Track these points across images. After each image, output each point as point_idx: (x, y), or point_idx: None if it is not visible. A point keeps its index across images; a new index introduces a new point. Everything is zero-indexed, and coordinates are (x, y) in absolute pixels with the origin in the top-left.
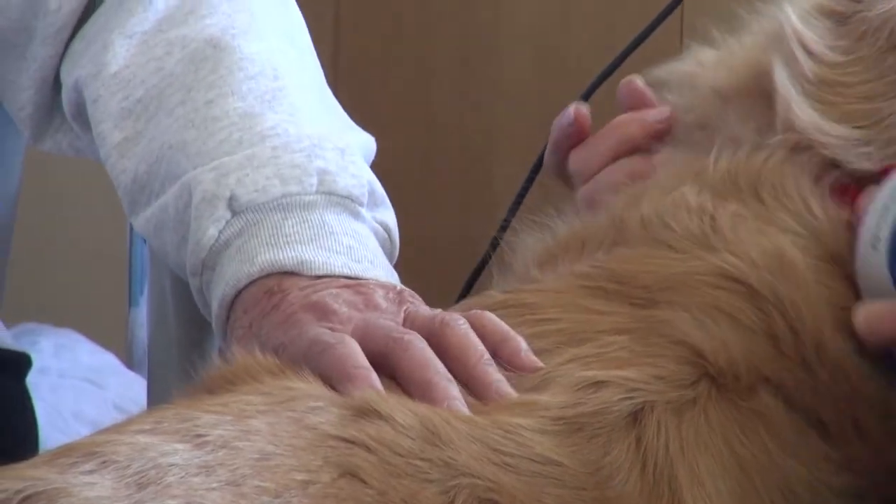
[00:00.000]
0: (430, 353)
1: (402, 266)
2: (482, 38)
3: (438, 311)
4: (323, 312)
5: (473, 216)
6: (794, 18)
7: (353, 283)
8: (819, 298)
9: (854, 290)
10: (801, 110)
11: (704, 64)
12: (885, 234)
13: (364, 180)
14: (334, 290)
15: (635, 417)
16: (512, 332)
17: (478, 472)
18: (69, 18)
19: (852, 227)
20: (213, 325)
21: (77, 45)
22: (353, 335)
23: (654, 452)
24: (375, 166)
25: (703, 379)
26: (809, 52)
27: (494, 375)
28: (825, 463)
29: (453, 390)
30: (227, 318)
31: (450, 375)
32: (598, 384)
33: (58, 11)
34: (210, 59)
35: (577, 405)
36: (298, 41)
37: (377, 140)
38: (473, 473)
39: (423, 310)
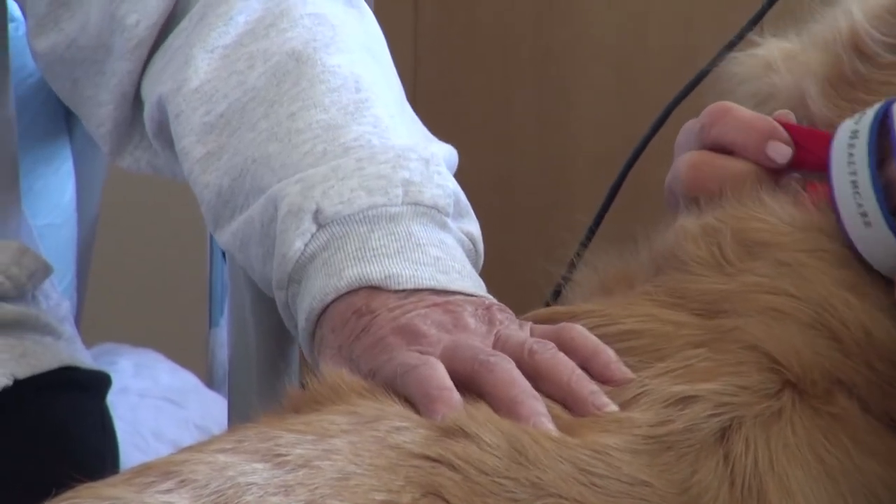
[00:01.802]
0: (516, 373)
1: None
2: (560, 57)
3: (527, 330)
4: (413, 336)
5: (551, 236)
6: (859, 20)
7: (442, 302)
8: (841, 286)
9: (864, 267)
10: (815, 105)
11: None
12: (870, 206)
13: (449, 190)
14: (423, 311)
15: (723, 434)
16: (601, 345)
17: (565, 492)
18: (147, 34)
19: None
20: (300, 338)
21: (158, 61)
22: (442, 357)
23: (743, 469)
24: None
25: (785, 388)
26: (861, 54)
27: (589, 387)
28: None
29: (539, 407)
30: (314, 332)
31: (536, 393)
32: (687, 399)
33: (136, 26)
34: (292, 72)
35: (667, 423)
36: (379, 54)
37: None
38: (560, 493)
39: (514, 332)
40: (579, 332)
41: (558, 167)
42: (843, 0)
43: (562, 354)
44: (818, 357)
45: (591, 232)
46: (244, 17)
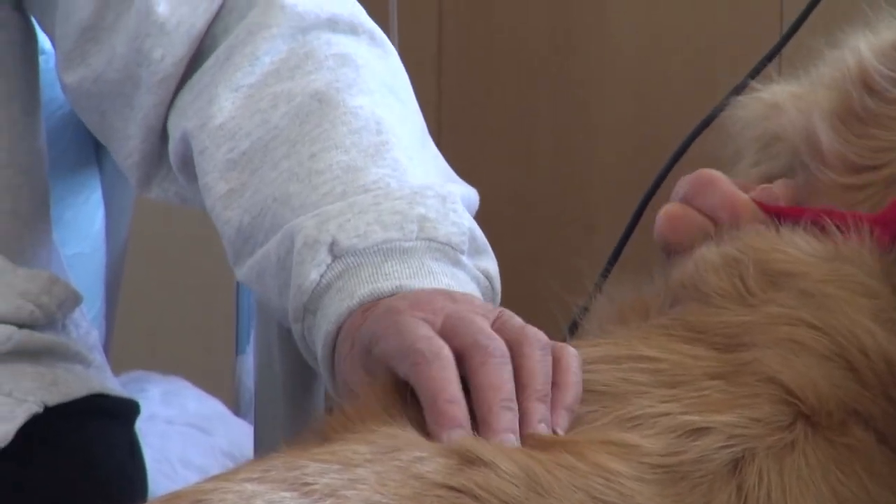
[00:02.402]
0: (505, 375)
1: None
2: (581, 84)
3: (524, 325)
4: (416, 302)
5: (572, 263)
6: (867, 56)
7: (445, 292)
8: (866, 316)
9: (894, 297)
10: (826, 139)
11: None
12: None
13: (465, 228)
14: (425, 295)
15: (736, 465)
16: (577, 384)
17: None
18: (173, 69)
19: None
20: (321, 367)
21: (184, 97)
22: (444, 326)
23: (756, 500)
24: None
25: (798, 420)
26: (870, 90)
27: (541, 414)
28: None
29: (513, 423)
30: (332, 357)
31: (513, 404)
32: (699, 430)
33: (161, 61)
34: (315, 113)
35: (679, 453)
36: (401, 94)
37: (477, 188)
38: None
39: (516, 319)
40: (570, 356)
41: (578, 190)
42: (849, 40)
43: (547, 364)
44: (835, 388)
45: (610, 264)
46: (269, 57)
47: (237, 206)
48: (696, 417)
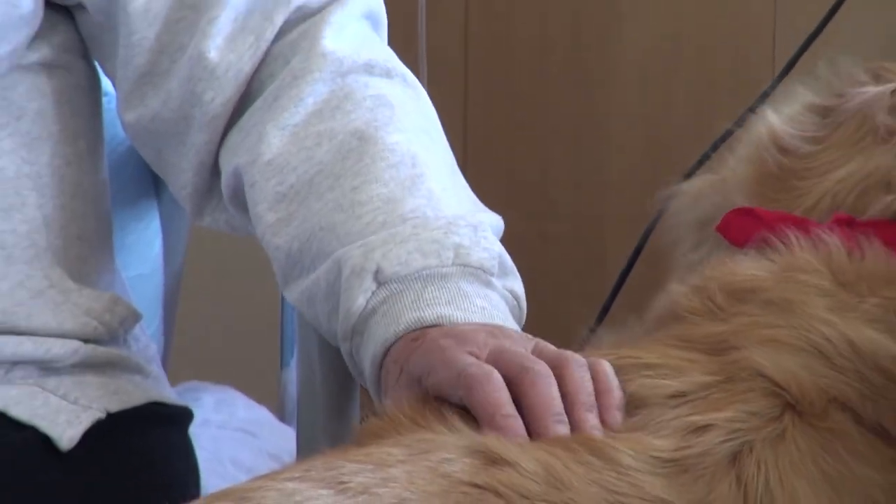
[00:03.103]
0: (554, 392)
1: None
2: (595, 127)
3: (560, 351)
4: (463, 339)
5: (586, 292)
6: (777, 122)
7: (490, 325)
8: (823, 310)
9: (846, 294)
10: (746, 203)
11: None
12: None
13: (495, 253)
14: (470, 329)
15: (735, 457)
16: (617, 388)
17: None
18: (222, 109)
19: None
20: (368, 383)
21: (234, 136)
22: (489, 359)
23: (756, 488)
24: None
25: (786, 410)
26: (783, 150)
27: (592, 422)
28: (893, 465)
29: (564, 432)
30: (379, 375)
31: (564, 418)
32: (703, 428)
33: (211, 102)
34: (355, 150)
35: (685, 448)
36: (432, 131)
37: (499, 211)
38: None
39: (551, 346)
40: (606, 368)
41: (593, 225)
42: (758, 119)
43: (588, 378)
44: (813, 377)
45: (605, 310)
46: (313, 98)
47: (286, 234)
48: (699, 417)
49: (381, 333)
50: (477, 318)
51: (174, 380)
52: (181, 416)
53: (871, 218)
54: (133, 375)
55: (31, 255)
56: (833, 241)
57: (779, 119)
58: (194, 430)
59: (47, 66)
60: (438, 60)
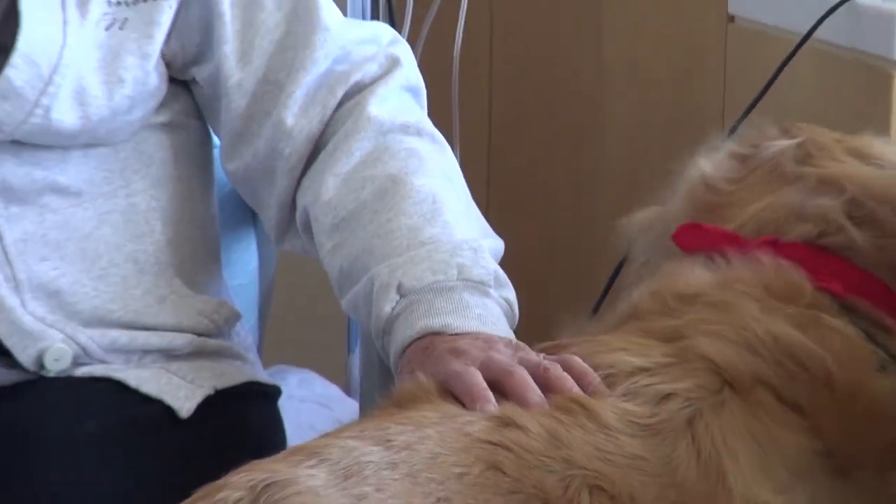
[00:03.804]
0: (528, 380)
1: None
2: (590, 171)
3: (541, 357)
4: (458, 353)
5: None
6: (706, 167)
7: (481, 337)
8: (754, 310)
9: (772, 299)
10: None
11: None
12: None
13: (491, 270)
14: (468, 340)
15: (690, 421)
16: (590, 370)
17: (588, 465)
18: (297, 162)
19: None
20: (392, 369)
21: (305, 182)
22: (479, 367)
23: (706, 444)
24: (517, 254)
25: (725, 386)
26: (711, 189)
27: (570, 385)
28: (804, 432)
29: (542, 400)
30: (398, 364)
31: (542, 394)
32: (668, 396)
33: (290, 157)
34: (390, 191)
35: (656, 415)
36: (453, 177)
37: (520, 238)
38: (585, 467)
39: (532, 355)
40: (576, 360)
41: (592, 257)
42: (692, 164)
43: (566, 375)
44: (745, 362)
45: (597, 307)
46: (360, 152)
47: (339, 256)
48: (665, 387)
49: (401, 335)
50: (474, 324)
51: (266, 364)
52: (272, 393)
53: (791, 241)
54: (235, 361)
55: (157, 269)
56: (764, 259)
57: (707, 164)
58: (281, 403)
59: (170, 126)
60: (467, 113)
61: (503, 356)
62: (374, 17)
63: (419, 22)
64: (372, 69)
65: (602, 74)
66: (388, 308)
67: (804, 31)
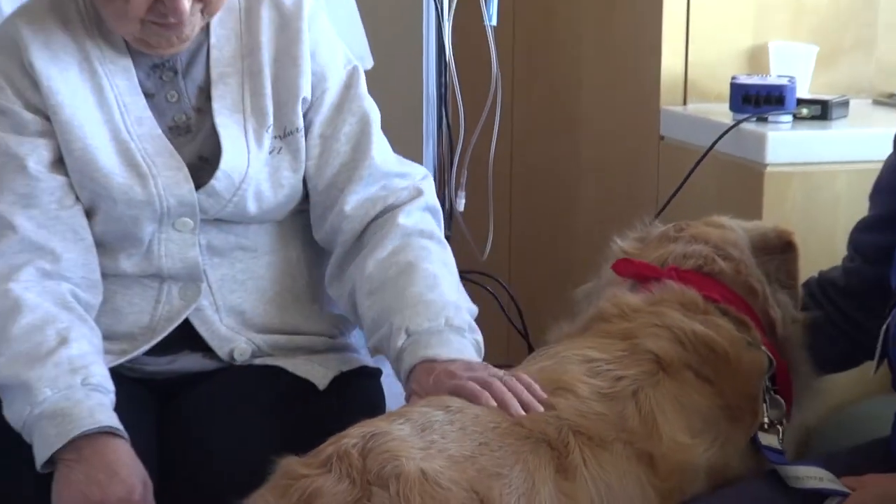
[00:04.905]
0: (504, 390)
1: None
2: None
3: (501, 372)
4: (451, 375)
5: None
6: (622, 245)
7: (461, 361)
8: (682, 316)
9: (685, 310)
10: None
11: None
12: None
13: (466, 321)
14: (456, 364)
15: (635, 392)
16: (535, 385)
17: (573, 419)
18: (351, 237)
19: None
20: (402, 384)
21: (353, 263)
22: (469, 380)
23: (646, 406)
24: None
25: (660, 369)
26: (625, 252)
27: (533, 404)
28: (712, 396)
29: (518, 408)
30: (407, 381)
31: (515, 400)
32: (621, 377)
33: (347, 233)
34: (406, 271)
35: (613, 388)
36: (448, 263)
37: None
38: (570, 419)
39: (496, 371)
40: (525, 377)
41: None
42: (613, 242)
43: (519, 384)
44: (675, 351)
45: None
46: (392, 245)
47: (372, 311)
48: (620, 372)
49: (407, 362)
50: (455, 354)
51: (372, 354)
52: (376, 374)
53: (685, 269)
54: (353, 353)
55: (304, 297)
56: (674, 284)
57: (623, 242)
58: (383, 381)
59: (305, 210)
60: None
61: (481, 373)
62: (440, 127)
63: (470, 133)
64: (403, 195)
65: (577, 168)
66: (399, 343)
67: (707, 146)
